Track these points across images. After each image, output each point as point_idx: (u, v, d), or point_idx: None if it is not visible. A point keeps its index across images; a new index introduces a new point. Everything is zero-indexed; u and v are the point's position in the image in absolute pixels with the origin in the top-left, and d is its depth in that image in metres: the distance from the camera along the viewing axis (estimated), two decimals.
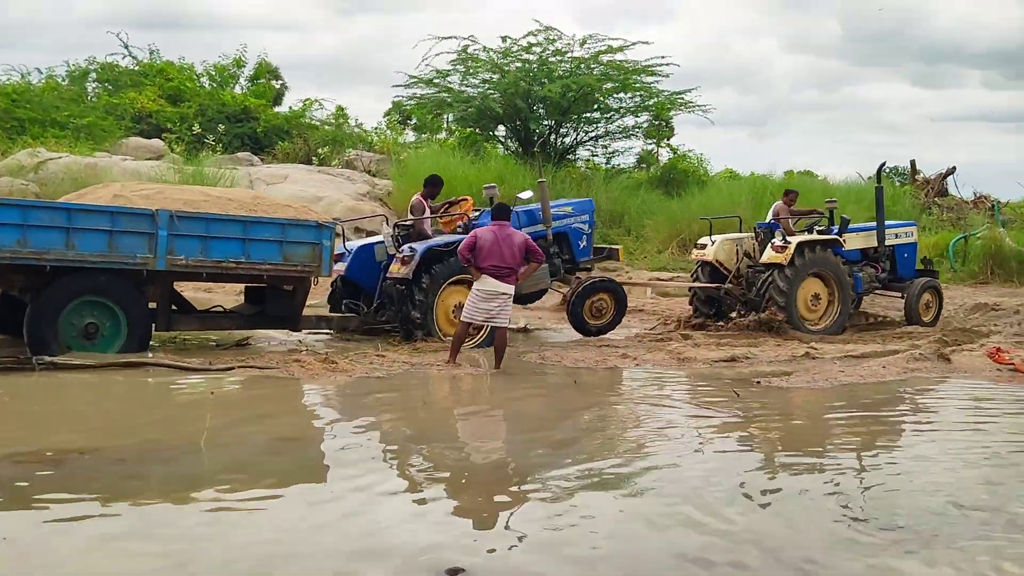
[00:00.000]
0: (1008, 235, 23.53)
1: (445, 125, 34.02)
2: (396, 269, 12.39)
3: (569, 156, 30.87)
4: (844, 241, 15.22)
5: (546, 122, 30.06)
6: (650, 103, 30.26)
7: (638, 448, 7.56)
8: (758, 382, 10.50)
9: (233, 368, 10.14)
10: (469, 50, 29.88)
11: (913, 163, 30.64)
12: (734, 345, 12.99)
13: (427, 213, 13.17)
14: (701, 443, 7.82)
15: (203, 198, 11.35)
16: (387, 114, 36.25)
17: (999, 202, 27.96)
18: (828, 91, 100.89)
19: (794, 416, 9.30)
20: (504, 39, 30.12)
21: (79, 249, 10.22)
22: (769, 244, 14.69)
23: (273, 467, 6.67)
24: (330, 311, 13.51)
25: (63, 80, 32.14)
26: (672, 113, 30.99)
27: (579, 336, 13.91)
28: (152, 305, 11.10)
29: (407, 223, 13.29)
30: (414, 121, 35.47)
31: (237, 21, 78.32)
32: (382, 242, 13.09)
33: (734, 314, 14.74)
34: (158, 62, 33.36)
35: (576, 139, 31.20)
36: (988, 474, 6.93)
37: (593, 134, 31.27)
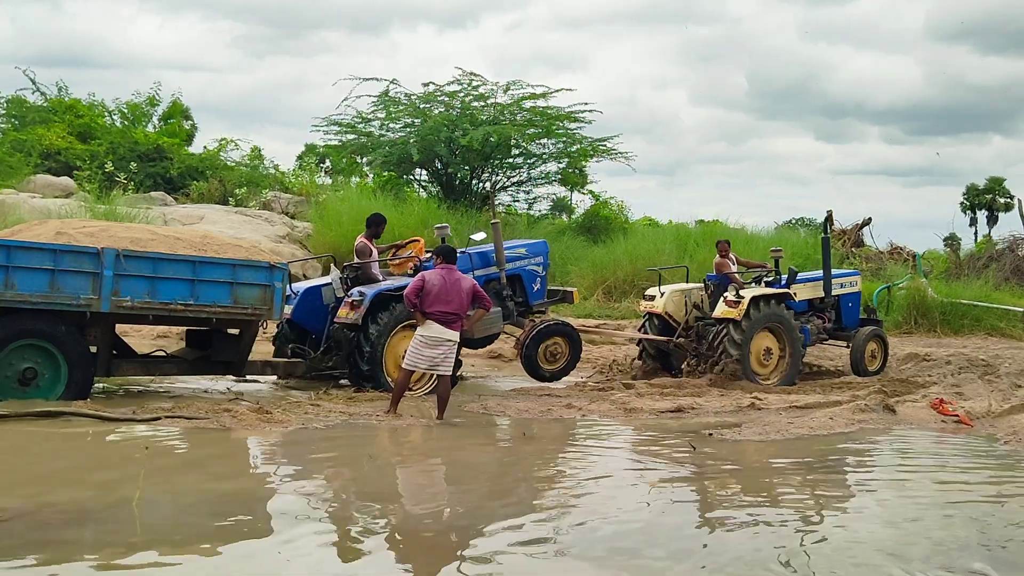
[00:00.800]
0: (929, 285, 23.80)
1: (362, 168, 33.52)
2: (345, 313, 11.83)
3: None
4: (795, 294, 15.07)
5: (467, 167, 29.75)
6: (573, 149, 30.14)
7: (584, 504, 7.34)
8: (710, 434, 10.21)
9: (159, 419, 9.46)
10: (391, 93, 29.53)
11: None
12: (678, 395, 12.74)
13: (374, 255, 12.64)
14: (651, 498, 7.56)
15: (150, 236, 10.75)
16: (301, 156, 35.70)
17: (919, 254, 28.39)
18: (735, 143, 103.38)
19: (748, 470, 9.01)
20: (426, 84, 29.89)
21: (19, 289, 9.53)
22: (722, 298, 14.40)
23: (208, 529, 6.14)
24: (275, 355, 12.85)
25: None
26: (595, 159, 30.93)
27: (517, 385, 13.48)
28: (92, 349, 10.42)
29: (355, 265, 12.71)
30: (327, 164, 34.91)
31: (147, 61, 77.19)
32: (329, 284, 12.54)
33: (685, 366, 14.40)
34: (67, 98, 32.29)
35: (497, 184, 30.94)
36: (934, 530, 6.81)
37: (515, 179, 31.06)
